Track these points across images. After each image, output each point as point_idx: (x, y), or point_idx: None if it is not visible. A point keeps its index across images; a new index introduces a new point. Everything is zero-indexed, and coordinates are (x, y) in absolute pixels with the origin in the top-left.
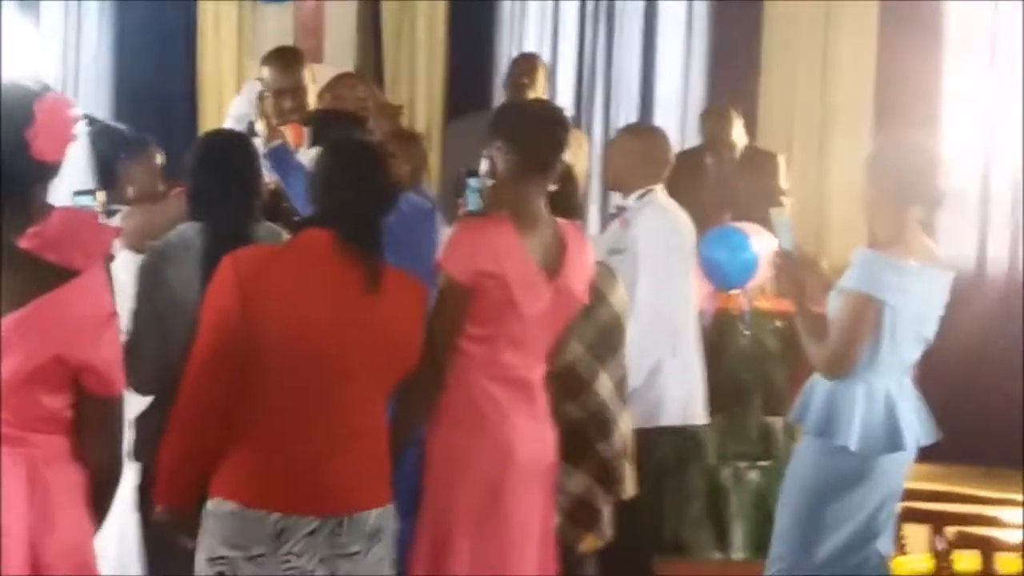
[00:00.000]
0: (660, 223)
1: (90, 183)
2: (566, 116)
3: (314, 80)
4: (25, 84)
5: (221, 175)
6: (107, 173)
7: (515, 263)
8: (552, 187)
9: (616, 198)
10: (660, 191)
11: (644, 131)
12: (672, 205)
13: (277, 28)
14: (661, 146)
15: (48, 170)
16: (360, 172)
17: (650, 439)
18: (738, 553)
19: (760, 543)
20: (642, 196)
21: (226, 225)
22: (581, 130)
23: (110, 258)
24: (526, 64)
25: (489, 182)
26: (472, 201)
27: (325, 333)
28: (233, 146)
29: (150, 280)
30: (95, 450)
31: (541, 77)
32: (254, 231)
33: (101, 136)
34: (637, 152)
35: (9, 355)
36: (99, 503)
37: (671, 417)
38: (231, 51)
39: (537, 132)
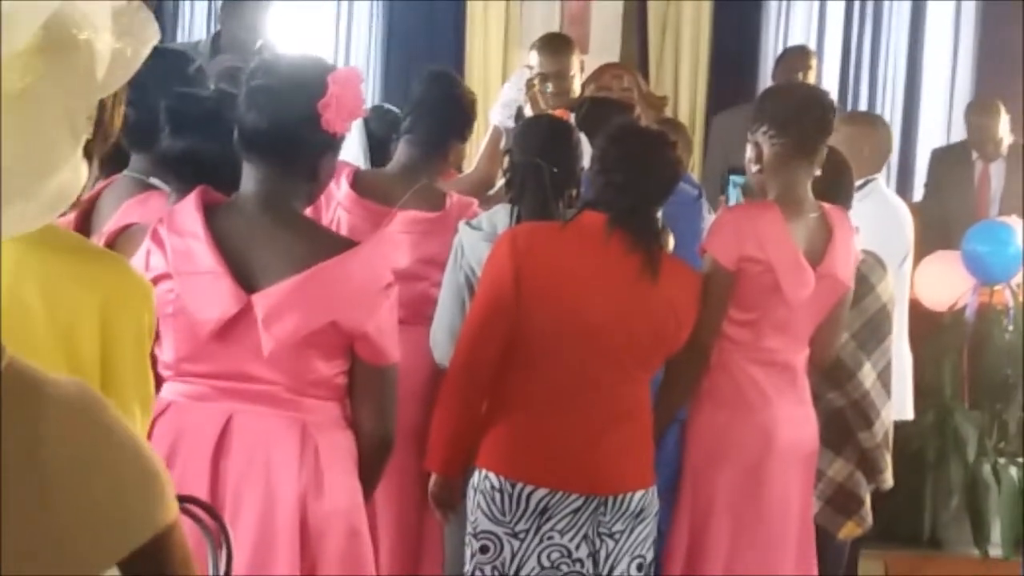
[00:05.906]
0: (881, 215)
1: (362, 162)
2: (832, 100)
3: (582, 69)
4: (318, 57)
5: (531, 158)
6: (380, 154)
7: (780, 248)
8: (817, 172)
9: None
10: (881, 182)
11: (866, 119)
12: (894, 198)
13: (544, 19)
14: (884, 135)
15: (335, 142)
16: (644, 159)
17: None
18: (996, 550)
19: (1018, 540)
20: (862, 186)
21: (530, 207)
22: None
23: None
24: (800, 55)
25: (754, 168)
26: (734, 197)
27: (596, 314)
28: (550, 130)
29: (453, 259)
30: (365, 418)
31: (813, 70)
32: (560, 215)
33: (375, 117)
34: (858, 141)
35: (287, 317)
36: (369, 471)
37: None
38: (498, 42)
39: (803, 117)
